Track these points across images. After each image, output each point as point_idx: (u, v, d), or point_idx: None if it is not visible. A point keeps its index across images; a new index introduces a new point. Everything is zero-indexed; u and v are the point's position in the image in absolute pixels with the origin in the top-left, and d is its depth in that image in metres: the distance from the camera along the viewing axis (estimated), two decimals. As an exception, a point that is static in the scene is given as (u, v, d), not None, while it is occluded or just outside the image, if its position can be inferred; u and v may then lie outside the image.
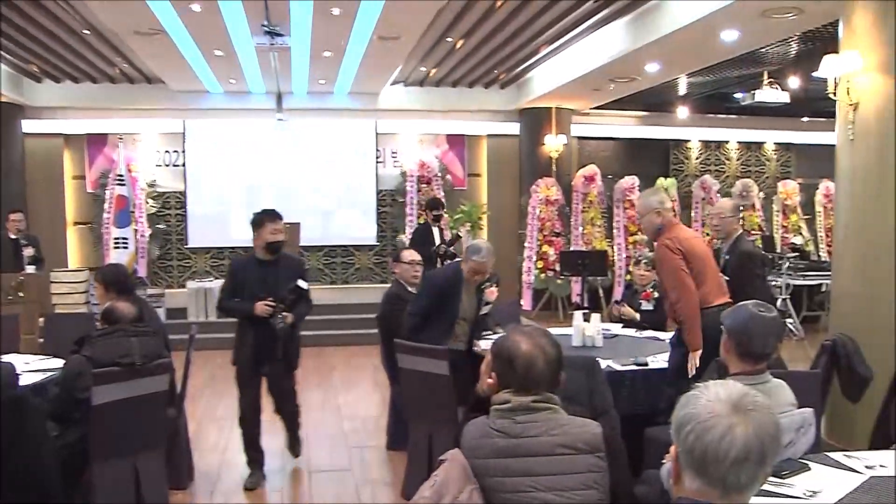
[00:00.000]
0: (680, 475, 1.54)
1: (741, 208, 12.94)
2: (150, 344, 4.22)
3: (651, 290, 6.21)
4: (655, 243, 4.63)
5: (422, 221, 9.79)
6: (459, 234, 10.05)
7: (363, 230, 13.10)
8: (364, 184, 13.00)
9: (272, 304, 4.88)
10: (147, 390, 4.17)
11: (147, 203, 12.15)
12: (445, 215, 10.36)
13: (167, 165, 12.50)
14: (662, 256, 4.45)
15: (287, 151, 12.73)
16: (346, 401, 7.40)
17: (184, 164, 12.50)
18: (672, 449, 1.56)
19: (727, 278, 4.85)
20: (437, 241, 8.81)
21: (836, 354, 4.64)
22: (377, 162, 13.03)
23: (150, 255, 12.14)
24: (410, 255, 5.86)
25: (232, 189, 12.58)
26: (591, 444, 2.17)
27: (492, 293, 5.32)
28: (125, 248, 11.46)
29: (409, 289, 5.65)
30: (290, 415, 5.40)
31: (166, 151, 12.50)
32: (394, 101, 12.76)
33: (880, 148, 5.15)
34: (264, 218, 5.00)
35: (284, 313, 4.90)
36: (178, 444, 4.93)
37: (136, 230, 11.75)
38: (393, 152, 13.16)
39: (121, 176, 11.56)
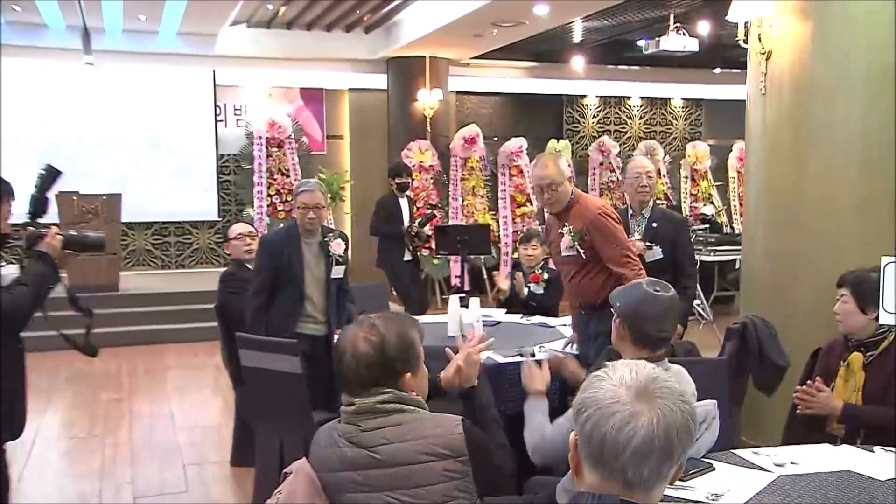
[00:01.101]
0: (580, 466, 1.56)
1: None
2: None
3: (540, 271, 6.32)
4: (569, 216, 4.69)
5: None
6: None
7: (201, 203, 12.83)
8: (201, 147, 12.72)
9: None
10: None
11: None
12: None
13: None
14: (605, 227, 4.55)
15: (101, 105, 12.27)
16: (181, 408, 7.25)
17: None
18: (571, 436, 1.57)
19: (656, 249, 5.08)
20: (407, 218, 8.73)
21: (746, 339, 4.78)
22: (217, 121, 12.77)
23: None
24: (239, 228, 5.77)
25: (22, 149, 11.61)
26: (451, 446, 2.18)
27: (338, 245, 5.27)
28: None
29: (249, 266, 5.56)
30: None
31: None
32: (235, 45, 12.50)
33: (795, 103, 5.32)
34: None
35: None
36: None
37: None
38: (236, 109, 12.92)
39: None
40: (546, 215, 5.18)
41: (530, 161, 13.02)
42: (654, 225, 5.38)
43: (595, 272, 4.63)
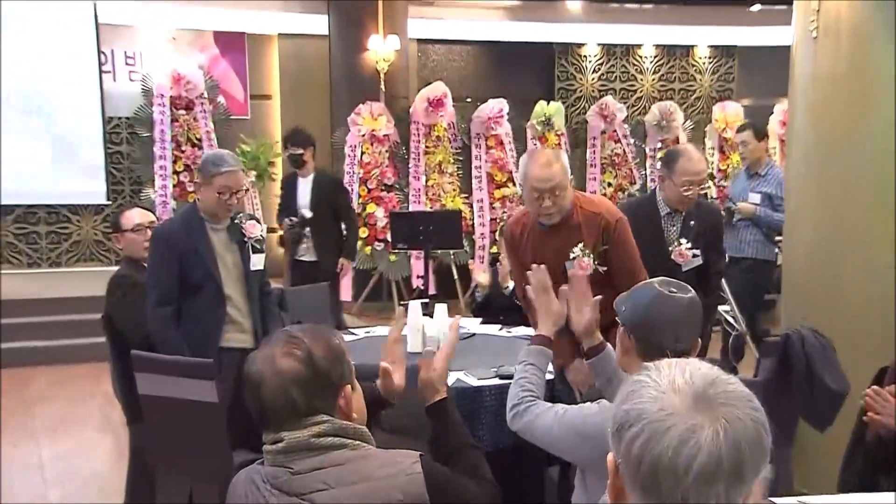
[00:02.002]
0: (622, 495, 1.55)
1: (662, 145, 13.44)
2: None
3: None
4: (591, 226, 4.70)
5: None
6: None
7: (82, 182, 12.72)
8: (81, 108, 12.59)
9: None
10: None
11: None
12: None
13: None
14: (627, 237, 4.71)
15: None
16: (54, 454, 7.18)
17: None
18: (610, 459, 1.57)
19: (698, 255, 5.22)
20: (307, 204, 8.74)
21: (790, 356, 4.78)
22: (101, 72, 12.62)
23: None
24: (135, 216, 5.72)
25: None
26: (408, 490, 2.21)
27: (253, 227, 5.26)
28: None
29: (146, 265, 5.53)
30: None
31: None
32: (125, -30, 12.44)
33: (855, 51, 5.32)
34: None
35: None
36: None
37: None
38: (128, 57, 12.80)
39: None
40: (506, 229, 5.17)
41: (513, 130, 13.09)
42: (692, 223, 5.45)
43: (610, 286, 4.68)
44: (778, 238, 7.71)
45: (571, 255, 4.63)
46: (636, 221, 4.94)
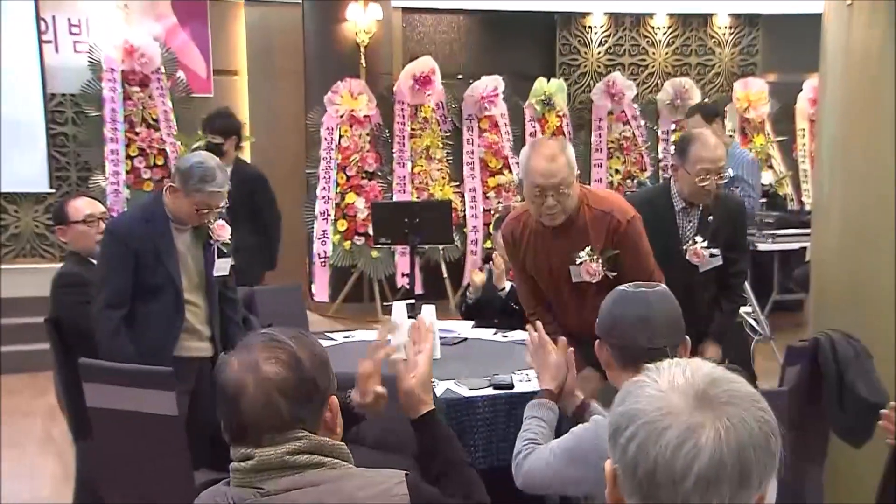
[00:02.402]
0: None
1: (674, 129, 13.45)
2: None
3: None
4: (600, 227, 4.72)
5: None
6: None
7: (21, 167, 12.58)
8: (19, 83, 12.46)
9: None
10: None
11: None
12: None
13: None
14: (639, 237, 4.77)
15: None
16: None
17: None
18: (607, 467, 1.59)
19: (717, 255, 5.23)
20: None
21: (820, 364, 4.78)
22: (42, 42, 12.53)
23: None
24: (85, 206, 5.70)
25: None
26: None
27: (222, 228, 5.26)
28: None
29: (95, 262, 5.52)
30: None
31: None
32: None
33: None
34: None
35: None
36: None
37: None
38: (72, 26, 12.70)
39: None
40: (503, 227, 5.17)
41: (509, 111, 13.10)
42: (710, 219, 5.42)
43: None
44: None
45: (577, 260, 4.63)
46: (647, 217, 4.95)
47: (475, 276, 6.64)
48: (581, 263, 4.62)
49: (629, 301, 3.03)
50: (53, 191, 12.73)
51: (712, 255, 5.29)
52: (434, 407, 2.74)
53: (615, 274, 4.62)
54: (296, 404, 2.24)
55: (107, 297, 4.99)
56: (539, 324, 3.71)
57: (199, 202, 4.97)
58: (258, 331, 2.37)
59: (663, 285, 3.13)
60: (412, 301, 5.62)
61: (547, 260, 4.81)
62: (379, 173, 12.54)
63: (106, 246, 5.15)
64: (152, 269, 5.01)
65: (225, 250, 5.26)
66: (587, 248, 4.59)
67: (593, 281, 4.65)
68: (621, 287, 3.11)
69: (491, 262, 6.55)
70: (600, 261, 4.58)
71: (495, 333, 6.08)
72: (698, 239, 5.30)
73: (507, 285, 6.38)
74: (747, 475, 1.49)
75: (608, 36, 15.19)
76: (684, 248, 5.29)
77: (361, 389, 2.79)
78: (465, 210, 12.64)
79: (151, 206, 5.16)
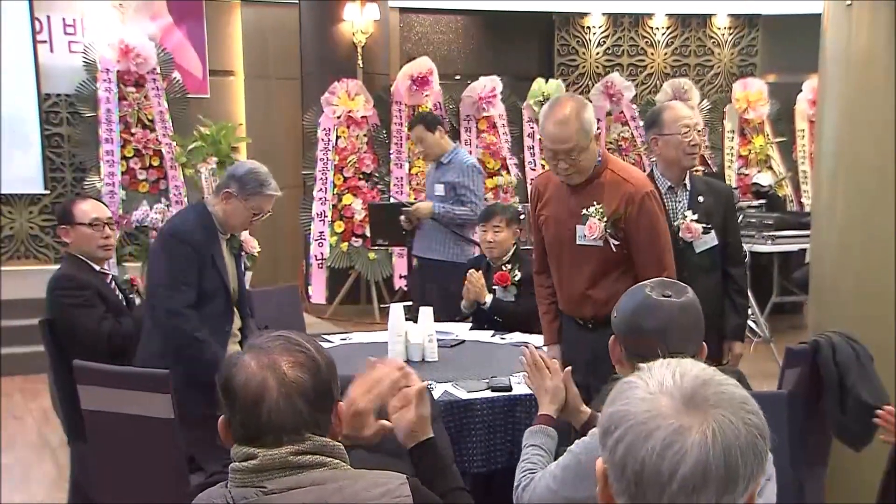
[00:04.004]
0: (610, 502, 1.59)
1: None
2: None
3: (508, 266, 6.33)
4: (616, 193, 4.71)
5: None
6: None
7: (16, 167, 12.60)
8: (13, 83, 12.47)
9: None
10: None
11: None
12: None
13: None
14: (654, 215, 4.72)
15: None
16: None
17: None
18: (598, 464, 1.61)
19: (711, 233, 5.22)
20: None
21: (819, 366, 4.77)
22: (36, 42, 12.53)
23: None
24: (91, 209, 5.67)
25: None
26: None
27: (249, 241, 5.33)
28: None
29: (96, 267, 5.51)
30: None
31: None
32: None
33: None
34: None
35: None
36: None
37: None
38: (67, 25, 12.72)
39: None
40: (534, 178, 5.19)
41: (507, 111, 13.10)
42: (701, 199, 5.42)
43: (621, 272, 4.69)
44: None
45: (583, 213, 4.62)
46: None
47: (473, 283, 6.56)
48: (586, 219, 4.61)
49: (652, 309, 2.98)
50: (48, 192, 12.73)
51: (705, 231, 5.28)
52: (432, 435, 2.74)
53: (618, 244, 4.63)
54: (315, 409, 2.25)
55: (187, 298, 5.00)
56: (532, 346, 3.67)
57: (255, 206, 5.10)
58: (268, 332, 2.35)
59: (690, 293, 3.08)
60: (409, 303, 5.61)
61: (558, 214, 4.80)
62: (376, 174, 12.55)
63: (174, 248, 5.13)
64: (208, 275, 5.07)
65: (248, 263, 5.33)
66: (596, 206, 4.57)
67: (592, 238, 4.61)
68: (646, 290, 3.04)
69: (468, 282, 6.48)
70: (606, 221, 4.56)
71: (493, 335, 6.07)
72: (688, 214, 5.28)
73: (488, 299, 6.35)
74: (734, 477, 1.50)
75: (607, 36, 15.20)
76: (675, 224, 5.24)
77: (363, 423, 2.77)
78: (463, 211, 12.62)
79: (203, 216, 5.17)
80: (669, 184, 5.41)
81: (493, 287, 6.34)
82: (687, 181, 5.45)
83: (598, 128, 4.69)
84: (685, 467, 1.48)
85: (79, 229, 5.58)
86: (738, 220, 5.76)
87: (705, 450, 1.48)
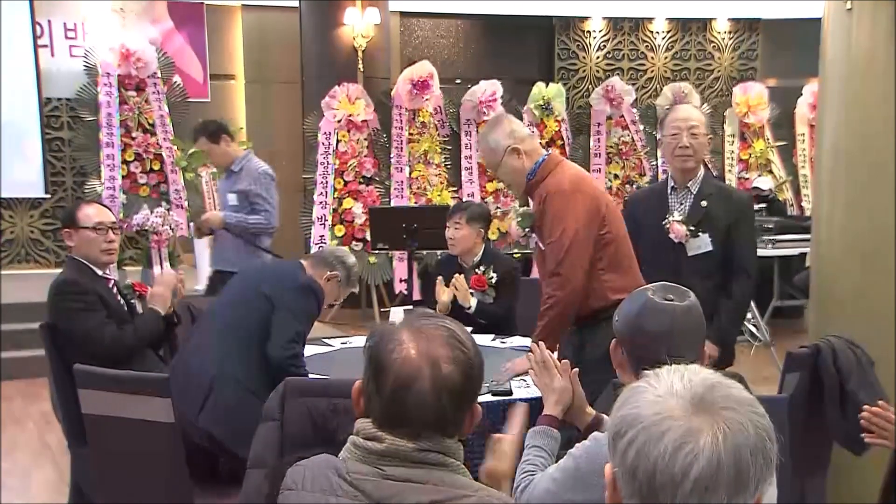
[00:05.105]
0: None
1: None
2: None
3: (483, 270, 6.38)
4: (533, 199, 4.79)
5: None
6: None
7: (17, 171, 12.66)
8: (14, 87, 12.51)
9: None
10: None
11: None
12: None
13: None
14: (556, 211, 4.78)
15: None
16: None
17: None
18: (607, 470, 1.62)
19: (703, 238, 5.22)
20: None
21: (820, 371, 4.76)
22: (37, 46, 12.56)
23: None
24: (96, 213, 5.65)
25: None
26: None
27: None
28: None
29: (98, 271, 5.49)
30: None
31: None
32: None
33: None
34: None
35: None
36: None
37: None
38: (68, 30, 12.77)
39: None
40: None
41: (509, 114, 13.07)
42: (704, 204, 5.40)
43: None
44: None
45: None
46: (647, 202, 5.01)
47: (443, 297, 6.56)
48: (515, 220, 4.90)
49: (655, 313, 2.97)
50: (49, 196, 12.74)
51: (694, 236, 5.27)
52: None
53: (537, 240, 4.91)
54: (458, 410, 2.25)
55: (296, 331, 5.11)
56: (542, 344, 3.69)
57: (344, 293, 5.59)
58: (432, 314, 2.35)
59: (692, 297, 3.07)
60: (410, 307, 5.61)
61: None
62: (377, 178, 12.53)
63: (315, 306, 5.31)
64: None
65: None
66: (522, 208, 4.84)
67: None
68: (649, 293, 3.03)
69: (453, 285, 6.48)
70: (525, 220, 4.90)
71: (493, 340, 6.06)
72: (675, 214, 5.29)
73: (473, 303, 6.36)
74: (744, 479, 1.52)
75: (607, 40, 15.21)
76: (664, 224, 5.28)
77: (498, 486, 2.80)
78: (463, 215, 12.61)
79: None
80: (673, 184, 5.45)
81: (471, 291, 6.36)
82: (694, 185, 5.44)
83: (513, 144, 4.78)
84: (697, 468, 1.49)
85: (82, 233, 5.55)
86: (754, 230, 5.70)
87: (717, 450, 1.50)
